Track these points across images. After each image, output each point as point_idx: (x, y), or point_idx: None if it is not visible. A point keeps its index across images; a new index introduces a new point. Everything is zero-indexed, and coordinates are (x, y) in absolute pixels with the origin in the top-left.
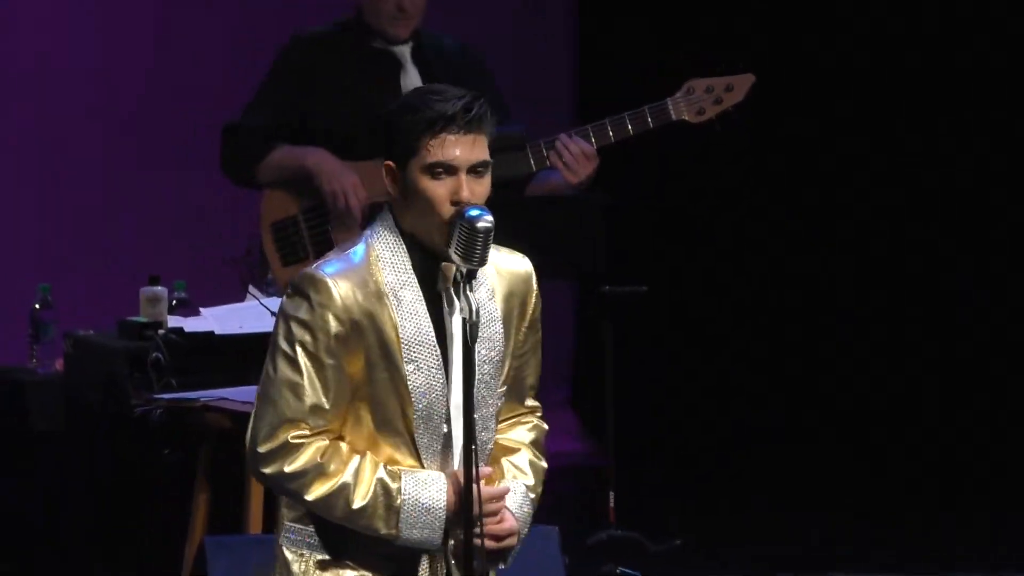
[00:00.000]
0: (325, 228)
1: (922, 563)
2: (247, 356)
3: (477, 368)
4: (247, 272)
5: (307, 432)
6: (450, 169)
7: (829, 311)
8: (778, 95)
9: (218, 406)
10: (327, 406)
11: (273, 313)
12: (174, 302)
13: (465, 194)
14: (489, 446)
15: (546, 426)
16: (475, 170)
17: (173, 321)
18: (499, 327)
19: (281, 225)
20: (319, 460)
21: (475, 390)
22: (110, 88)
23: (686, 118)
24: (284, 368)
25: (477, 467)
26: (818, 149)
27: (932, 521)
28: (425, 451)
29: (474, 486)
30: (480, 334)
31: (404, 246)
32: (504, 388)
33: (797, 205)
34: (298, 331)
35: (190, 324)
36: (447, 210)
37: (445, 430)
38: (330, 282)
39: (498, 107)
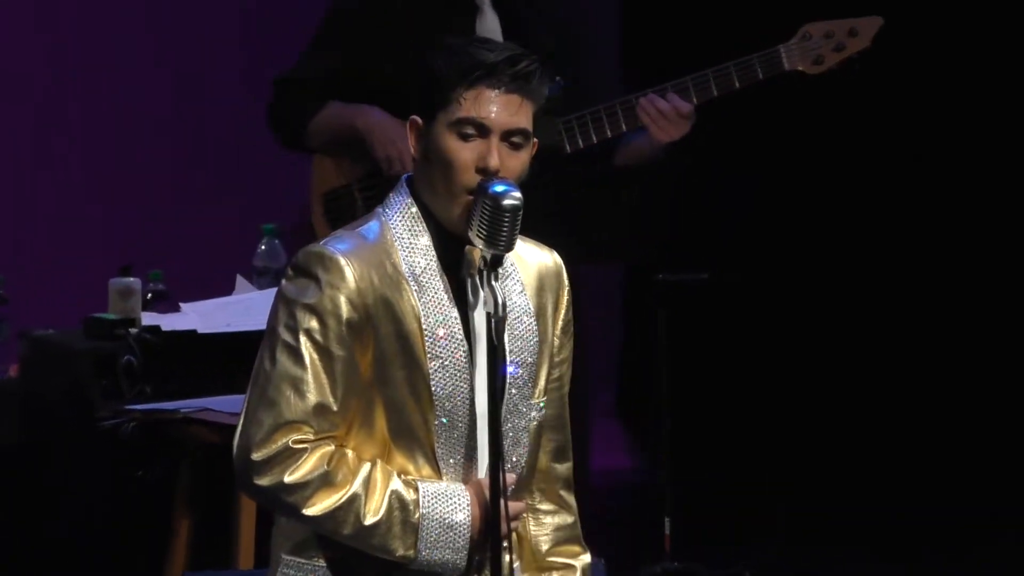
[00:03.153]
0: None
1: None
2: (236, 359)
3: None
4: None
5: (311, 436)
6: (482, 129)
7: (917, 306)
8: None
9: (202, 418)
10: (334, 406)
11: None
12: (149, 295)
13: (494, 162)
14: (520, 463)
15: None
16: (511, 139)
17: (148, 318)
18: (532, 322)
19: (334, 196)
20: (325, 468)
21: (506, 395)
22: (73, 65)
23: (801, 68)
24: (285, 360)
25: (505, 480)
26: (917, 121)
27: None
28: (445, 462)
29: (502, 501)
30: (510, 331)
31: (424, 224)
32: (544, 400)
33: (887, 184)
34: (303, 317)
35: (168, 321)
36: (469, 179)
37: (468, 439)
38: (342, 260)
39: (592, 73)
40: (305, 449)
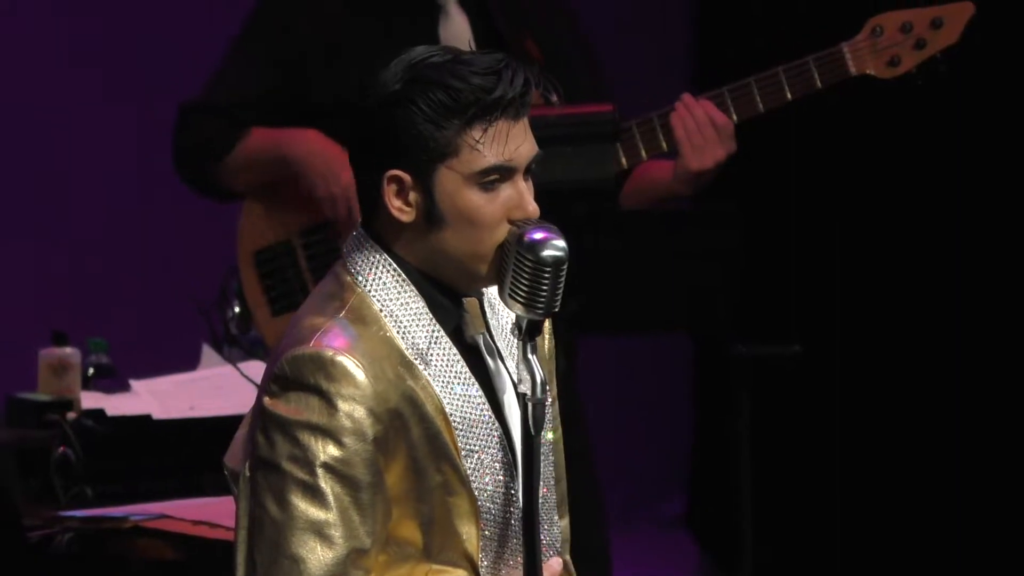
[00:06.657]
0: (334, 258)
1: None
2: (201, 452)
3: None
4: (222, 326)
5: None
6: (507, 173)
7: None
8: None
9: (158, 528)
10: (368, 544)
11: (256, 384)
12: (91, 371)
13: (533, 208)
14: (555, 545)
15: None
16: (530, 170)
17: (89, 400)
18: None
19: (269, 255)
20: None
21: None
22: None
23: (871, 72)
24: (299, 503)
25: None
26: None
27: None
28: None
29: None
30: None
31: (413, 286)
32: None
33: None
34: (314, 444)
35: (115, 404)
36: (502, 234)
37: (516, 543)
38: (349, 362)
39: (591, 70)
40: None
